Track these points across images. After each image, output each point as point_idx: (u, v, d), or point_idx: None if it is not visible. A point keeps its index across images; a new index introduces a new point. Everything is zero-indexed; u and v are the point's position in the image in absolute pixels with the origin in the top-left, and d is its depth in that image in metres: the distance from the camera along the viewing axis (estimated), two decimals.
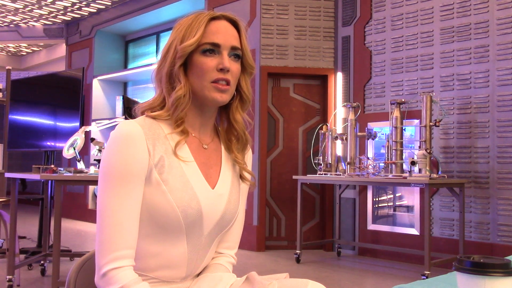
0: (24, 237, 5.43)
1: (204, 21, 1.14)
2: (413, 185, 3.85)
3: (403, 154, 4.29)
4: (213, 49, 1.14)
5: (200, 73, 1.13)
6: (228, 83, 1.15)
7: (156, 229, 1.12)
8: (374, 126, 4.88)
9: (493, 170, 4.09)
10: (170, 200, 1.09)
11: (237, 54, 1.17)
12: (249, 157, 1.30)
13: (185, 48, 1.13)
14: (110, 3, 7.29)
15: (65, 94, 4.67)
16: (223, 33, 1.15)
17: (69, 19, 8.07)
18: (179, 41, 1.14)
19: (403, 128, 4.32)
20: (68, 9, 7.59)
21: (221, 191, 1.19)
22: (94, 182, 3.22)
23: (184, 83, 1.14)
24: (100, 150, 3.57)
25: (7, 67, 4.80)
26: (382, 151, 4.68)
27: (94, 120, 7.20)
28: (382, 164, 4.36)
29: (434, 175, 3.92)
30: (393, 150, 4.24)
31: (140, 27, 7.56)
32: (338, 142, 4.83)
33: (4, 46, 10.46)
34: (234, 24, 1.19)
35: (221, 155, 1.24)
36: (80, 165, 3.57)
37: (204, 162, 1.19)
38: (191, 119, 1.19)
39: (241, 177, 1.26)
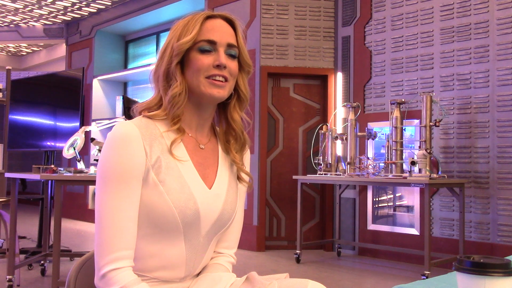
0: (24, 237, 5.43)
1: (200, 20, 1.15)
2: (413, 185, 3.85)
3: (403, 154, 4.29)
4: (210, 46, 1.14)
5: (197, 70, 1.14)
6: (225, 79, 1.15)
7: (154, 230, 1.12)
8: (374, 126, 4.88)
9: (493, 170, 4.09)
10: (167, 201, 1.09)
11: (233, 51, 1.17)
12: (247, 158, 1.30)
13: (181, 45, 1.13)
14: (110, 3, 7.29)
15: (65, 94, 4.67)
16: (219, 31, 1.16)
17: (69, 19, 8.07)
18: (176, 40, 1.15)
19: (403, 128, 4.32)
20: (68, 9, 7.59)
21: (218, 191, 1.19)
22: (94, 182, 3.22)
23: (181, 81, 1.14)
24: (100, 150, 3.57)
25: (7, 67, 4.80)
26: (382, 151, 4.68)
27: (94, 120, 7.20)
28: (382, 164, 4.36)
29: (434, 175, 3.92)
30: (393, 150, 4.24)
31: (140, 27, 7.57)
32: (338, 142, 4.83)
33: (4, 46, 10.46)
34: (230, 23, 1.19)
35: (218, 155, 1.24)
36: (80, 165, 3.57)
37: (201, 162, 1.19)
38: (188, 118, 1.19)
39: (239, 178, 1.26)
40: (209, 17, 1.17)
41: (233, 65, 1.17)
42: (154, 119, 1.15)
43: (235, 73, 1.18)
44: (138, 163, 1.08)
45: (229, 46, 1.16)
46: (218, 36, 1.15)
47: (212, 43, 1.14)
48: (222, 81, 1.14)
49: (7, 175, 3.58)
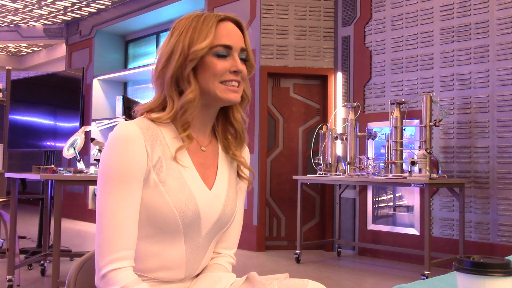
0: (24, 237, 5.43)
1: (214, 23, 1.14)
2: (413, 185, 3.85)
3: (403, 154, 4.29)
4: (226, 51, 1.14)
5: (213, 75, 1.13)
6: (239, 84, 1.16)
7: (155, 230, 1.12)
8: (374, 126, 4.88)
9: (493, 170, 4.09)
10: (167, 201, 1.09)
11: (244, 56, 1.18)
12: (246, 156, 1.30)
13: (198, 51, 1.11)
14: (110, 3, 7.29)
15: (65, 94, 4.67)
16: (233, 36, 1.15)
17: (69, 19, 8.07)
18: (187, 44, 1.12)
19: (403, 128, 4.32)
20: (68, 9, 7.59)
21: (218, 192, 1.19)
22: (94, 182, 3.22)
23: (195, 86, 1.13)
24: (100, 150, 3.57)
25: (7, 67, 4.79)
26: (382, 151, 4.68)
27: (94, 120, 7.20)
28: (382, 164, 4.36)
29: (434, 175, 3.92)
30: (393, 150, 4.24)
31: (140, 27, 7.56)
32: (338, 142, 4.83)
33: (4, 46, 10.46)
34: (238, 25, 1.19)
35: (218, 156, 1.24)
36: (80, 165, 3.57)
37: (202, 163, 1.19)
38: (192, 121, 1.19)
39: (239, 175, 1.26)
40: (221, 20, 1.16)
41: (244, 69, 1.17)
42: (156, 122, 1.14)
43: (246, 77, 1.19)
44: (139, 163, 1.08)
45: (242, 50, 1.17)
46: (233, 41, 1.15)
47: (228, 48, 1.14)
48: (236, 86, 1.15)
49: (7, 175, 3.58)
